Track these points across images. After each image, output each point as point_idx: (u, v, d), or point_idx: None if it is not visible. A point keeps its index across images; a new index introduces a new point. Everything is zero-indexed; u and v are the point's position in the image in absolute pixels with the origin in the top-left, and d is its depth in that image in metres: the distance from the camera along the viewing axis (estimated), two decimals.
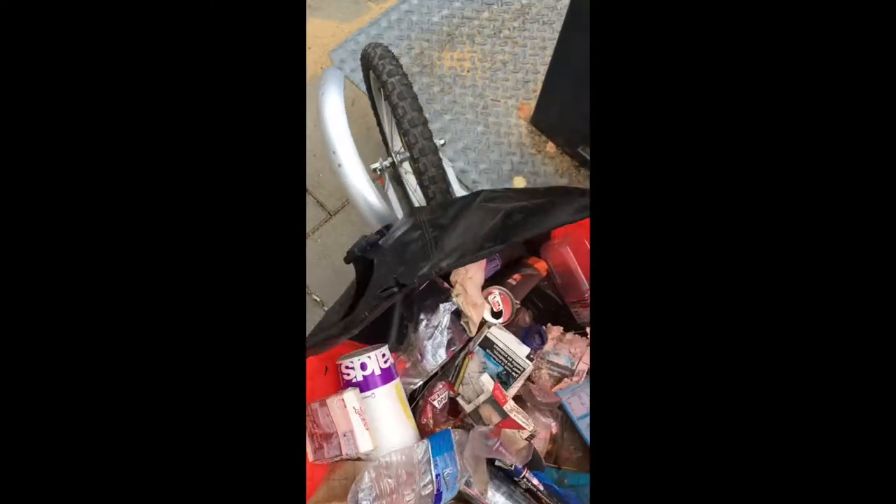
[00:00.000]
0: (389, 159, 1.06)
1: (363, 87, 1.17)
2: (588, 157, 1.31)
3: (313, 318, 1.23)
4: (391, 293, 0.48)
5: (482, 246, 0.49)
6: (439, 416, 0.70)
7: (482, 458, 0.63)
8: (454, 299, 0.67)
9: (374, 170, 1.04)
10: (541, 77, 1.43)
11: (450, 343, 0.70)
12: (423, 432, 0.69)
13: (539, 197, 0.56)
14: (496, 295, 0.72)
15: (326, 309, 1.26)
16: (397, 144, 1.15)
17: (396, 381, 0.66)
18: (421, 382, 0.71)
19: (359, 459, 0.62)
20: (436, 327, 0.71)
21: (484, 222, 0.53)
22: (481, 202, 0.57)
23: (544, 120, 1.37)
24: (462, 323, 0.69)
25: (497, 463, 0.66)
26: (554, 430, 0.75)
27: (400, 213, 1.08)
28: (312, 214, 1.32)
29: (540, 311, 0.82)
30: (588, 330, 0.77)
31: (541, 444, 0.74)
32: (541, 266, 0.78)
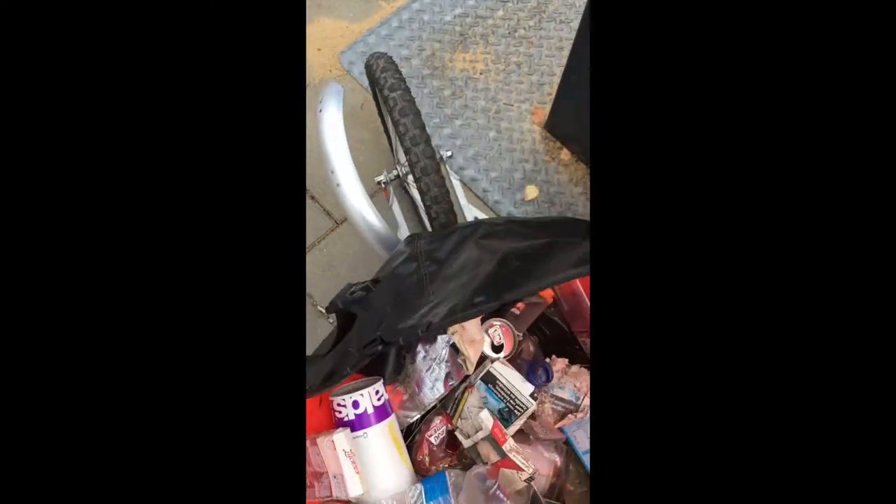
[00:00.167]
0: (395, 171, 1.03)
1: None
2: None
3: (317, 330, 1.21)
4: (374, 350, 0.45)
5: (473, 302, 0.46)
6: (436, 452, 0.68)
7: (479, 502, 0.60)
8: (451, 336, 0.64)
9: (379, 183, 1.01)
10: (557, 79, 1.37)
11: (448, 376, 0.67)
12: (419, 469, 0.66)
13: (540, 234, 0.52)
14: (497, 328, 0.68)
15: (331, 322, 1.25)
16: (402, 156, 1.12)
17: (391, 420, 0.63)
18: (418, 416, 0.68)
19: (349, 503, 0.59)
20: (434, 359, 0.68)
21: (479, 266, 0.50)
22: (479, 238, 0.54)
23: (560, 125, 1.32)
24: (459, 360, 0.66)
25: None
26: (558, 463, 0.72)
27: (404, 227, 1.05)
28: (319, 223, 1.30)
29: (546, 339, 0.78)
30: None
31: (543, 480, 0.71)
32: (546, 293, 0.74)
